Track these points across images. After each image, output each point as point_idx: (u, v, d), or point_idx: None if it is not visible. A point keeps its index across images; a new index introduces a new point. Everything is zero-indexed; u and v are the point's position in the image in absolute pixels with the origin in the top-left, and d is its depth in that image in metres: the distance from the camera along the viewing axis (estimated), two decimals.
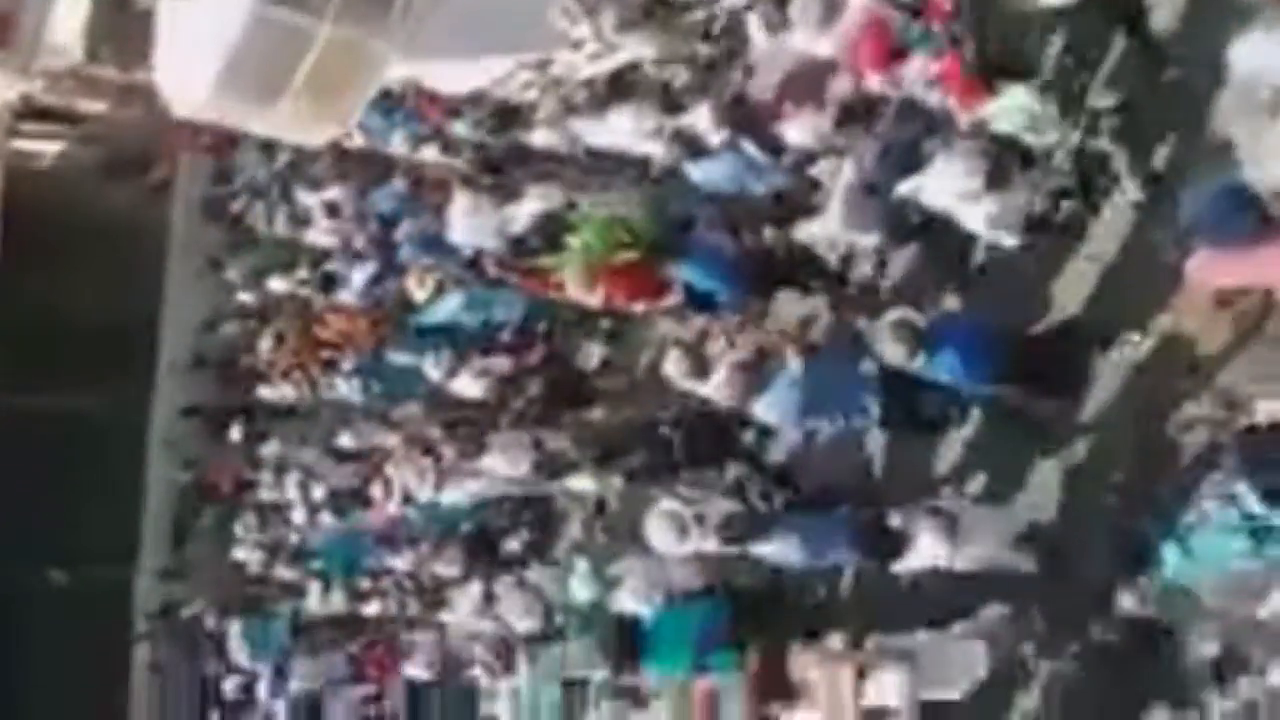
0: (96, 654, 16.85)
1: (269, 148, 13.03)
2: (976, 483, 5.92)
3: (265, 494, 10.63)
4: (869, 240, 5.54)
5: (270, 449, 10.58)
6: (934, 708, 5.53)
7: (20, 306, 18.66)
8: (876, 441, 5.93)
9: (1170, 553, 4.71)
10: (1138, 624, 5.24)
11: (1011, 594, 5.62)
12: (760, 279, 5.84)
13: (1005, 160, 5.15)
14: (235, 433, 12.06)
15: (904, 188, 5.20)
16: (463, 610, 7.12)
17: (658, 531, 5.68)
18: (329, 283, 10.12)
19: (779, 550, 5.28)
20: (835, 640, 5.47)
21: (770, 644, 5.87)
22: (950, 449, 5.92)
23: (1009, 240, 5.25)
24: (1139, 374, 5.35)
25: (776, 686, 5.62)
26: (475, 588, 7.06)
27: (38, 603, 17.91)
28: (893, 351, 4.73)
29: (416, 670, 7.86)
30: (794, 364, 5.15)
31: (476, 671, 6.90)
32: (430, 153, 8.64)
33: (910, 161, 5.13)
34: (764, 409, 5.28)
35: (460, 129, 8.35)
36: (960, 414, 5.66)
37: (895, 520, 5.19)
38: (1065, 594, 5.53)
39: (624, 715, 6.50)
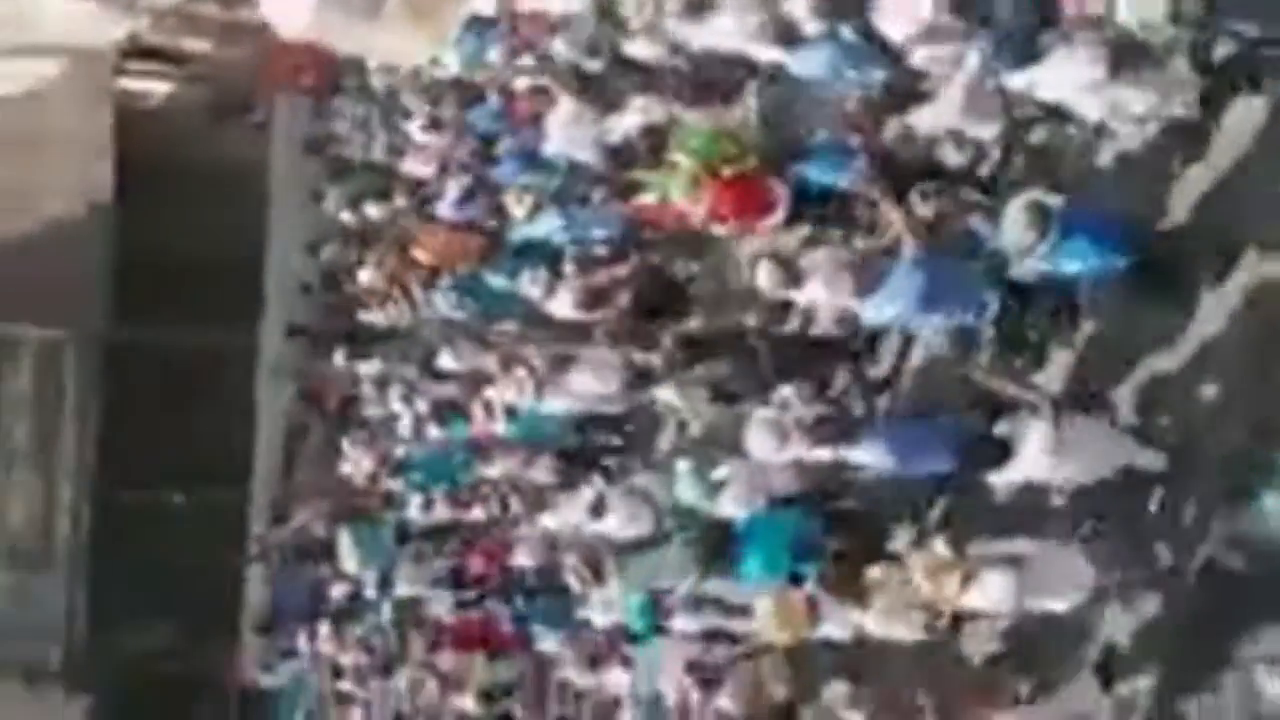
0: (211, 569, 17.56)
1: (365, 89, 13.03)
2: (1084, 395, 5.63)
3: (370, 410, 10.72)
4: (989, 131, 5.22)
5: (371, 367, 10.64)
6: (1027, 617, 5.37)
7: (136, 243, 19.20)
8: (985, 348, 5.67)
9: (1276, 505, 4.44)
10: (1235, 568, 5.00)
11: (1109, 513, 5.38)
12: (883, 173, 5.54)
13: (1128, 50, 4.79)
14: (339, 357, 12.20)
15: (1018, 81, 4.88)
16: (571, 517, 7.06)
17: (758, 439, 5.55)
18: (425, 206, 10.06)
19: (868, 455, 5.08)
20: (940, 545, 5.26)
21: (854, 549, 5.74)
22: (1060, 358, 5.64)
23: (1127, 131, 4.90)
24: (1255, 292, 5.00)
25: (849, 589, 5.48)
26: (586, 494, 6.98)
27: (158, 522, 18.67)
28: (1021, 235, 4.41)
29: (523, 560, 7.87)
30: (914, 252, 4.87)
31: (570, 579, 6.88)
32: (526, 64, 8.45)
33: (1028, 52, 4.79)
34: (877, 305, 5.04)
35: (559, 48, 8.14)
36: (1071, 321, 5.36)
37: (1002, 428, 4.97)
38: (1163, 522, 5.28)
39: (713, 621, 6.42)
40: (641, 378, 6.89)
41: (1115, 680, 5.42)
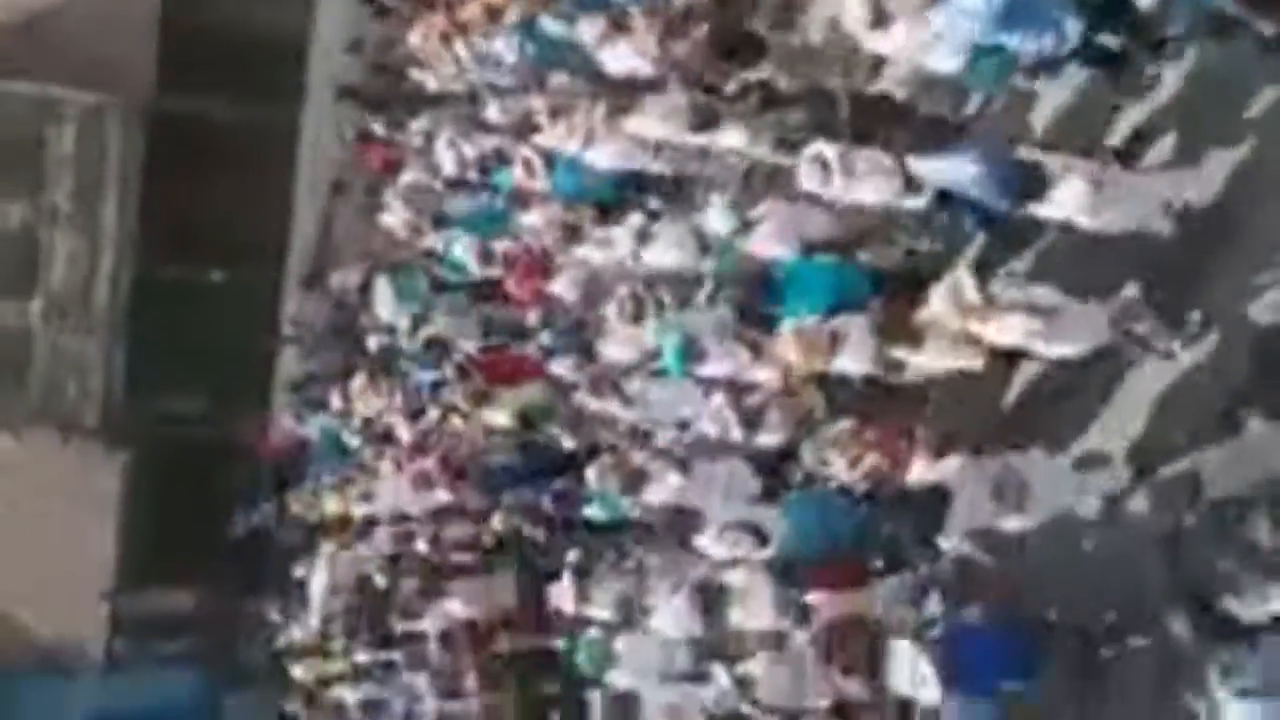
0: (246, 344, 17.91)
1: None
2: (1154, 149, 5.44)
3: (414, 173, 10.61)
4: None
5: (418, 124, 10.44)
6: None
7: (184, 12, 18.74)
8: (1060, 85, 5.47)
9: None
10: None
11: (1140, 273, 5.28)
12: None
13: None
14: (379, 127, 12.00)
15: None
16: (617, 249, 7.01)
17: (806, 172, 5.50)
18: None
19: (948, 167, 4.98)
20: (967, 284, 5.21)
21: (901, 294, 5.73)
22: (1135, 108, 5.43)
23: None
24: None
25: (900, 330, 5.48)
26: (633, 220, 6.91)
27: (196, 295, 18.94)
28: None
29: (562, 290, 7.90)
30: None
31: (609, 310, 6.89)
32: None
33: None
34: (959, 10, 4.82)
35: None
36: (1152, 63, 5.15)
37: (1053, 164, 4.88)
38: (1199, 286, 5.17)
39: (740, 357, 6.44)
40: (708, 122, 6.65)
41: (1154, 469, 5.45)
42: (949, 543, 5.83)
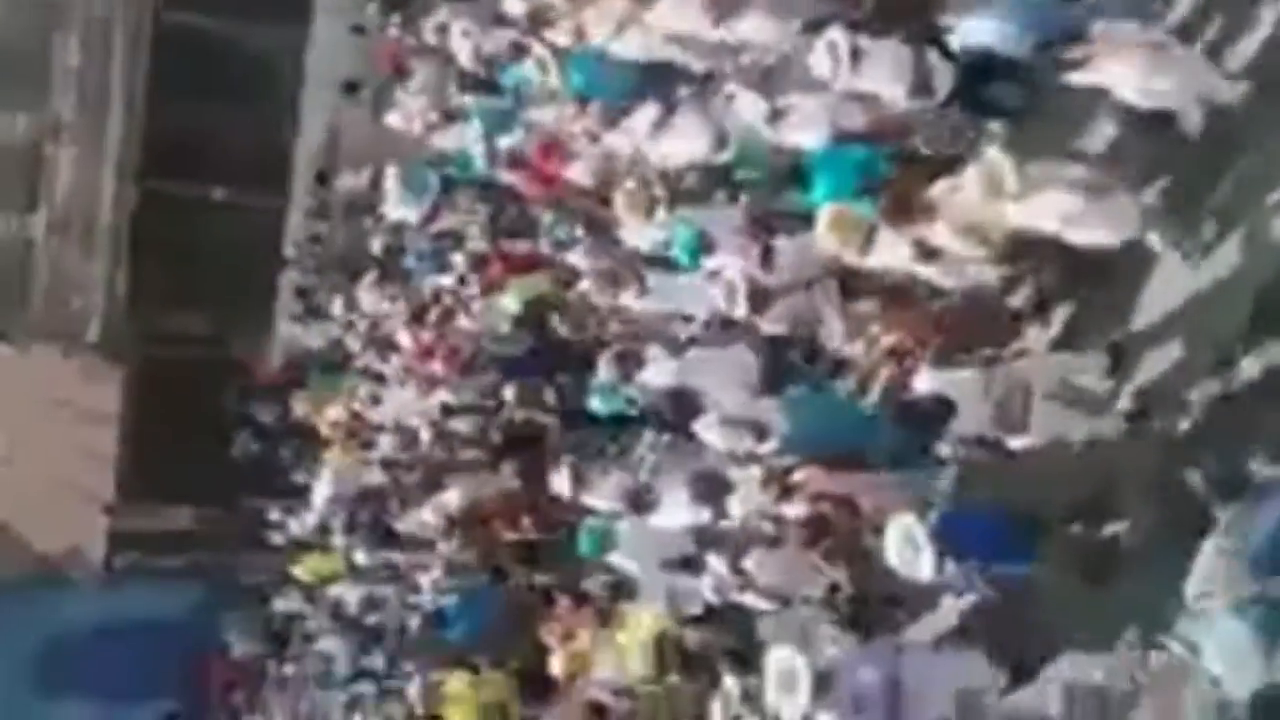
0: (248, 266, 17.89)
1: None
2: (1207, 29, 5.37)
3: (424, 71, 10.53)
4: None
5: (433, 20, 10.34)
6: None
7: None
8: None
9: None
10: None
11: (1169, 163, 5.26)
12: None
13: None
14: (394, 29, 11.90)
15: None
16: (638, 132, 6.99)
17: (817, 57, 5.49)
18: None
19: (988, 25, 4.95)
20: (1006, 170, 5.19)
21: (916, 173, 5.72)
22: None
23: None
24: None
25: (908, 210, 5.48)
26: (651, 110, 6.89)
27: (200, 214, 18.89)
28: None
29: (577, 175, 7.90)
30: None
31: (619, 200, 6.90)
32: None
33: None
34: None
35: None
36: None
37: (1096, 28, 4.84)
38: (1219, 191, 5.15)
39: (751, 252, 6.44)
40: (734, 9, 6.59)
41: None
42: (947, 450, 5.90)
